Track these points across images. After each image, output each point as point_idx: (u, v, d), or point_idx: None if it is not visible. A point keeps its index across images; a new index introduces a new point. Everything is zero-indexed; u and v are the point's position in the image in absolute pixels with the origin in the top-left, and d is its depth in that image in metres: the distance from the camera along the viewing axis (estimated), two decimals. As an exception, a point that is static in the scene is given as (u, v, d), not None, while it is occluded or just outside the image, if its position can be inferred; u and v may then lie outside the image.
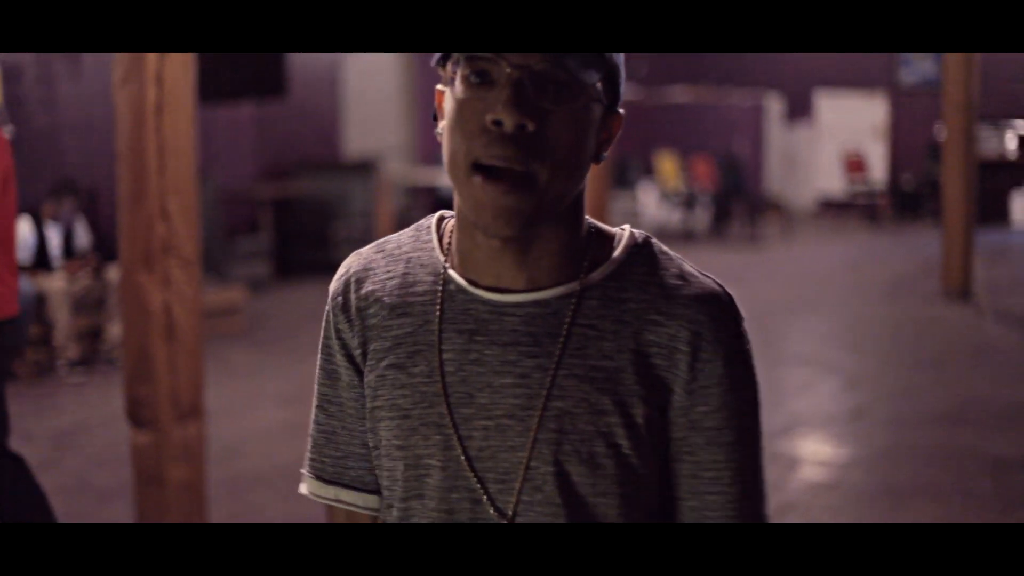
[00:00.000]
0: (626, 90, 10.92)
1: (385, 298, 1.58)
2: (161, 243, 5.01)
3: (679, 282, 1.54)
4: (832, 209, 18.41)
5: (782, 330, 9.90)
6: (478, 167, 1.45)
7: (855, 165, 17.50)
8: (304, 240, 13.16)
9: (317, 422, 1.65)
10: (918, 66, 17.55)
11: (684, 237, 15.79)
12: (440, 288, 1.55)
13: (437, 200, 15.06)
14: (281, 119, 13.60)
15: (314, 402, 1.66)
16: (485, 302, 1.53)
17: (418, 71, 15.10)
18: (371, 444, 1.60)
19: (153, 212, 5.03)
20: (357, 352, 1.60)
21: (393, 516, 1.59)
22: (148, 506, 5.11)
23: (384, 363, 1.56)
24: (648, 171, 16.38)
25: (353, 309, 1.60)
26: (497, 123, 1.43)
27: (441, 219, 1.65)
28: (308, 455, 1.67)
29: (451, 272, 1.56)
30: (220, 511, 5.60)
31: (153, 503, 5.10)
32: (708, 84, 18.17)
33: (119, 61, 4.98)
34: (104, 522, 5.10)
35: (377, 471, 1.61)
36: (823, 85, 17.65)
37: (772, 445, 6.63)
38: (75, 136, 10.27)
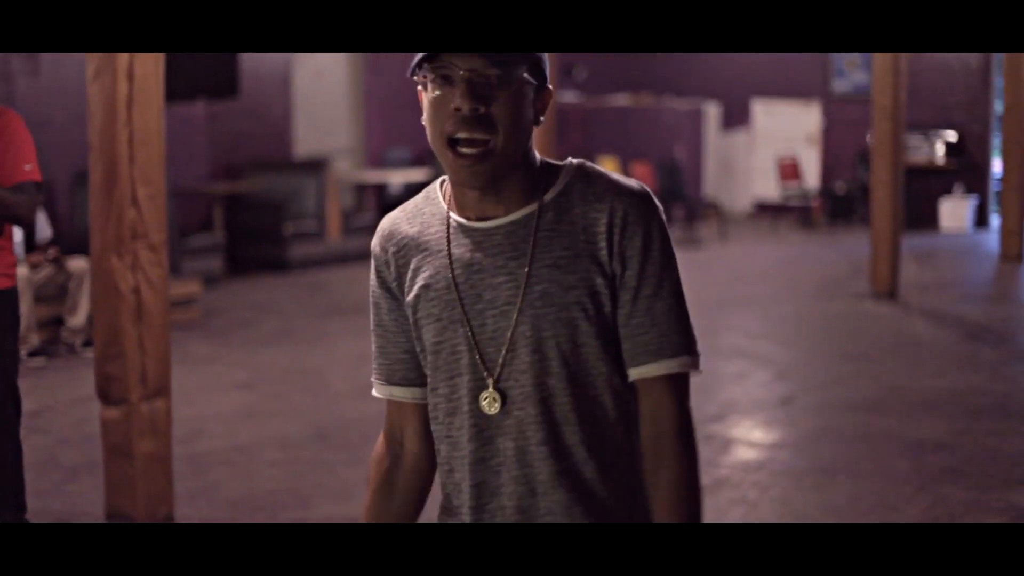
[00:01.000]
0: (568, 96, 11.07)
1: (409, 242, 2.22)
2: (131, 229, 5.31)
3: (607, 184, 2.16)
4: (767, 213, 18.90)
5: (718, 325, 10.31)
6: (451, 142, 2.10)
7: (789, 171, 17.99)
8: (256, 237, 13.46)
9: (374, 342, 2.30)
10: (851, 76, 18.07)
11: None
12: (446, 227, 2.20)
13: (384, 199, 15.39)
14: (233, 118, 13.87)
15: (371, 327, 2.30)
16: (477, 230, 2.17)
17: (366, 74, 15.40)
18: (418, 349, 2.23)
19: (124, 199, 5.33)
20: (394, 285, 2.24)
21: (440, 394, 2.20)
22: (117, 478, 5.41)
23: (417, 286, 2.20)
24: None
25: (389, 254, 2.24)
26: (458, 109, 2.08)
27: (443, 182, 2.26)
28: (372, 367, 2.32)
29: (452, 214, 2.20)
30: (183, 486, 5.93)
31: (122, 475, 5.40)
32: (648, 92, 18.62)
33: (91, 57, 5.29)
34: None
35: (424, 366, 2.23)
36: (759, 94, 18.13)
37: (707, 428, 7.03)
38: (34, 132, 10.48)
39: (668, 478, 2.13)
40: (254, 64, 13.87)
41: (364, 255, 13.99)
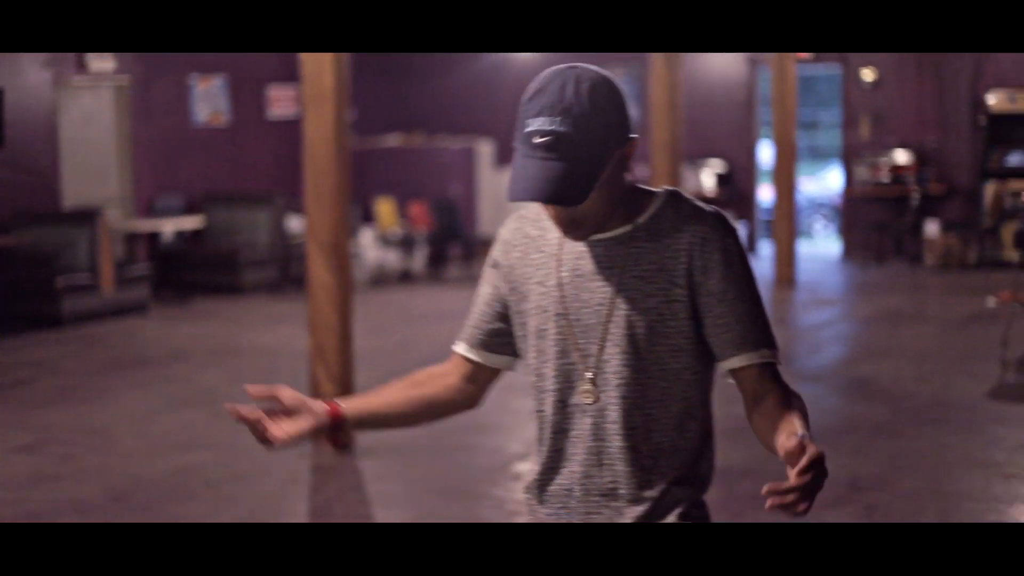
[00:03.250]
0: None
1: (531, 242, 2.66)
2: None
3: (690, 210, 2.56)
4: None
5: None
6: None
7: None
8: (25, 293, 12.93)
9: (475, 310, 2.75)
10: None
11: (402, 278, 16.12)
12: (558, 235, 2.59)
13: (157, 248, 15.01)
14: (-5, 170, 13.35)
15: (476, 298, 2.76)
16: (584, 242, 2.58)
17: (134, 120, 15.01)
18: (518, 333, 2.68)
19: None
20: (505, 269, 2.68)
21: (539, 374, 2.62)
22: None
23: (531, 280, 2.63)
24: (367, 217, 16.67)
25: (511, 244, 2.69)
26: (550, 216, 2.58)
27: None
28: (463, 331, 2.77)
29: None
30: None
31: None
32: (421, 132, 18.61)
33: None
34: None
35: (522, 348, 2.68)
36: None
37: (515, 467, 6.98)
38: None
39: (789, 412, 2.51)
40: (17, 112, 13.40)
41: (140, 306, 13.61)
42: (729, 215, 2.63)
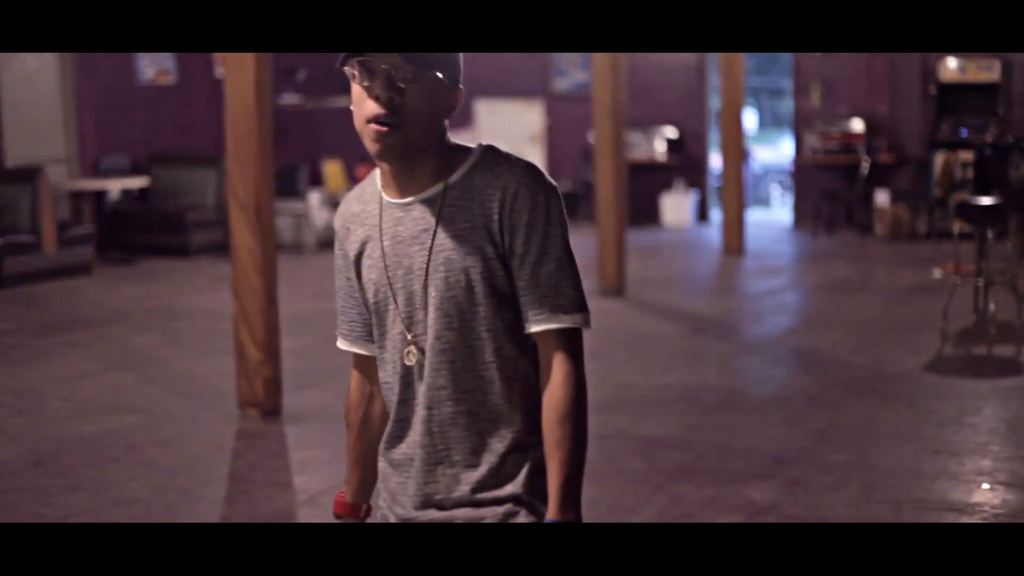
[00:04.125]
0: (289, 98, 10.85)
1: (354, 218, 2.65)
2: None
3: (503, 164, 2.54)
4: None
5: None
6: (368, 122, 2.49)
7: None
8: (-37, 252, 12.76)
9: (338, 303, 2.73)
10: (571, 74, 18.27)
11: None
12: (379, 204, 2.61)
13: (103, 208, 14.83)
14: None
15: (335, 291, 2.75)
16: (398, 205, 2.58)
17: (79, 78, 14.81)
18: (367, 308, 2.65)
19: None
20: (348, 251, 2.66)
21: (379, 346, 2.63)
22: None
23: (362, 254, 2.62)
24: (316, 179, 16.52)
25: (341, 227, 2.68)
26: (377, 97, 2.47)
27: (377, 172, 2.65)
28: (337, 325, 2.75)
29: (383, 194, 2.61)
30: None
31: None
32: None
33: None
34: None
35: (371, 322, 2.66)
36: (482, 94, 18.17)
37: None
38: None
39: (558, 418, 2.51)
40: (-43, 69, 13.19)
41: (83, 267, 13.46)
42: (545, 172, 2.58)
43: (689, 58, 17.57)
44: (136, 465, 6.83)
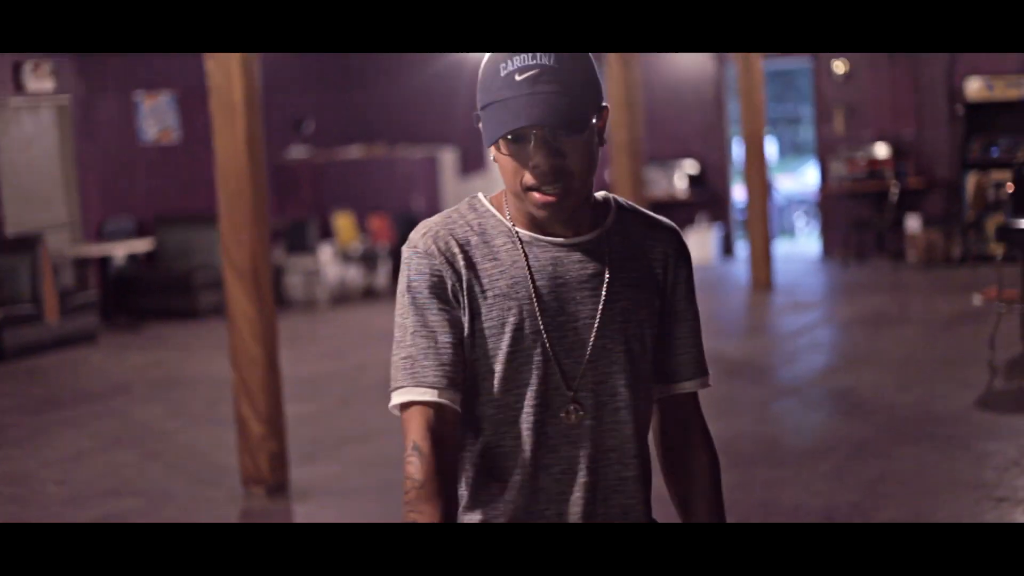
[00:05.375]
0: (298, 151, 10.38)
1: (474, 249, 2.25)
2: None
3: (651, 218, 2.39)
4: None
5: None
6: (530, 189, 2.22)
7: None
8: (-38, 326, 12.29)
9: (413, 346, 2.22)
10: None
11: (366, 294, 15.51)
12: (515, 240, 2.27)
13: (108, 274, 14.38)
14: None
15: (408, 329, 2.24)
16: (555, 245, 2.27)
17: (78, 140, 14.39)
18: (473, 356, 2.23)
19: None
20: (451, 285, 2.23)
21: (500, 404, 2.24)
22: None
23: (491, 293, 2.23)
24: (327, 233, 16.03)
25: (450, 255, 2.23)
26: (536, 167, 2.20)
27: (486, 196, 2.35)
28: (404, 372, 2.23)
29: (519, 229, 2.28)
30: None
31: None
32: (383, 142, 17.96)
33: None
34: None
35: (476, 373, 2.25)
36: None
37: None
38: None
39: (705, 481, 2.43)
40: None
41: (88, 335, 12.98)
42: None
43: (706, 88, 17.07)
44: (130, 556, 6.30)
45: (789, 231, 20.44)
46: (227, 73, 6.40)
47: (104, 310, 14.04)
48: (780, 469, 7.06)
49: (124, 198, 14.98)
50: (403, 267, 2.29)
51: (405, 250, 2.28)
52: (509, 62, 2.16)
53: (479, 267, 2.24)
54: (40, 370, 11.87)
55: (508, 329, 2.23)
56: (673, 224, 2.43)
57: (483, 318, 2.23)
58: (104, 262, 14.51)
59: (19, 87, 13.63)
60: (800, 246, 18.73)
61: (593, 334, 2.25)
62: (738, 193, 17.27)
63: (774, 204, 18.36)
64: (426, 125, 18.02)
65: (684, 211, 17.09)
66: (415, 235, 2.27)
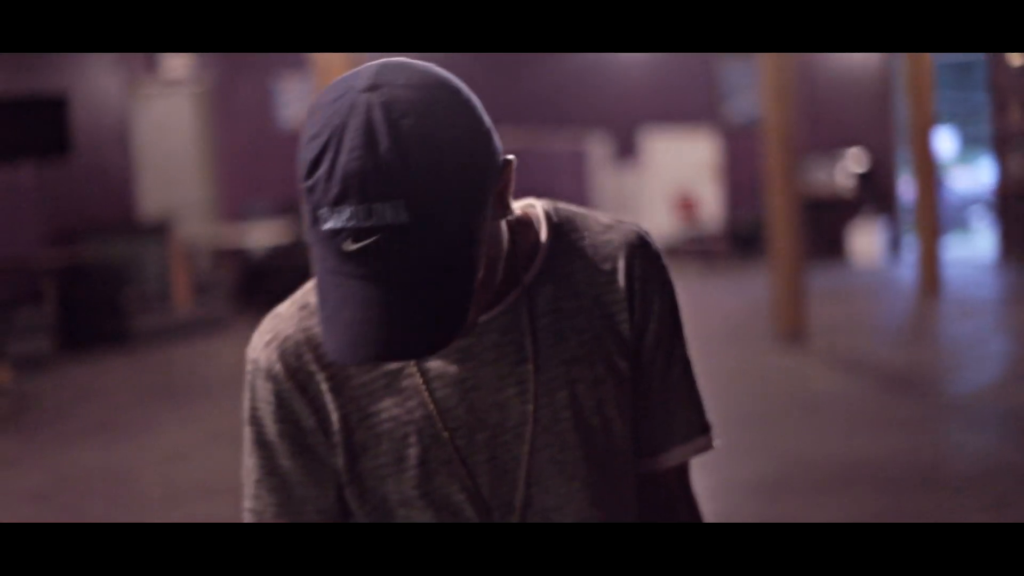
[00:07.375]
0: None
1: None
2: None
3: (602, 231, 1.66)
4: (665, 252, 17.77)
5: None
6: None
7: (686, 206, 16.88)
8: (92, 310, 12.06)
9: (259, 499, 1.61)
10: (740, 102, 16.97)
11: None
12: None
13: (246, 266, 14.05)
14: (66, 179, 12.55)
15: (252, 475, 1.62)
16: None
17: (215, 120, 14.12)
18: (356, 506, 1.61)
19: None
20: (310, 421, 1.58)
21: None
22: None
23: (375, 419, 1.58)
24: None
25: (302, 374, 1.58)
26: None
27: None
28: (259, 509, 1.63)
29: None
30: None
31: None
32: (529, 126, 17.41)
33: None
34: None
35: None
36: (646, 120, 17.00)
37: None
38: None
39: None
40: (89, 118, 12.59)
41: (218, 323, 12.67)
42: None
43: (871, 78, 16.17)
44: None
45: (963, 228, 19.42)
46: (328, 63, 5.90)
47: (239, 297, 13.74)
48: (936, 497, 6.30)
49: (262, 178, 14.72)
50: (246, 387, 1.65)
51: (248, 362, 1.64)
52: (330, 212, 1.36)
53: (352, 383, 1.59)
54: (164, 358, 11.58)
55: (408, 466, 1.59)
56: (634, 228, 1.68)
57: (368, 456, 1.59)
58: (240, 251, 14.23)
59: (154, 73, 13.39)
60: (975, 246, 17.69)
61: (526, 448, 1.60)
62: (905, 185, 16.34)
63: (947, 201, 17.40)
64: (574, 108, 17.44)
65: (848, 206, 16.23)
66: (257, 341, 1.61)
